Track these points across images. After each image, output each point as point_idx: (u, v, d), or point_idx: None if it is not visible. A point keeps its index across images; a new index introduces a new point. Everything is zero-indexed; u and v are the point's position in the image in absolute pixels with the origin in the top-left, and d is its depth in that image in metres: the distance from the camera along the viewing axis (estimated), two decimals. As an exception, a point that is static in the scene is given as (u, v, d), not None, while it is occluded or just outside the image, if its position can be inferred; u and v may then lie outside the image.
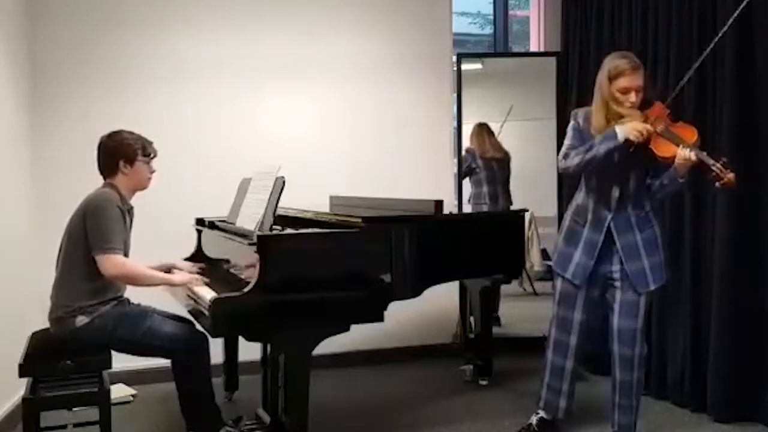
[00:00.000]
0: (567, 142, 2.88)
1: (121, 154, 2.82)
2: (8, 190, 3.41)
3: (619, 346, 2.86)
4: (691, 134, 2.64)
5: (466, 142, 4.59)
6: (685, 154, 2.56)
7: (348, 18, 4.32)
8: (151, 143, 2.92)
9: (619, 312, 2.86)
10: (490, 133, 4.61)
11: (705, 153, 2.58)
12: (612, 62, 2.74)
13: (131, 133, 2.88)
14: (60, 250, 2.80)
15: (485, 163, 4.60)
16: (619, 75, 2.70)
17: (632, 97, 2.71)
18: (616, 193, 2.80)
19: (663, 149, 2.62)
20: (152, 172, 2.94)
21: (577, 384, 3.67)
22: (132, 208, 2.90)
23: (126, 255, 2.78)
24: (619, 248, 2.82)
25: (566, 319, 2.96)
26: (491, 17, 5.36)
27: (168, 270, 3.05)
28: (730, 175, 2.50)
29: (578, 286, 2.90)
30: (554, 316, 3.00)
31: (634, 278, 2.81)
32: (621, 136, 2.64)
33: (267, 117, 4.19)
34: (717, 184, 2.55)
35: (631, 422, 2.90)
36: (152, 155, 2.92)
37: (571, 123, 2.90)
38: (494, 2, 5.09)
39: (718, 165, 2.52)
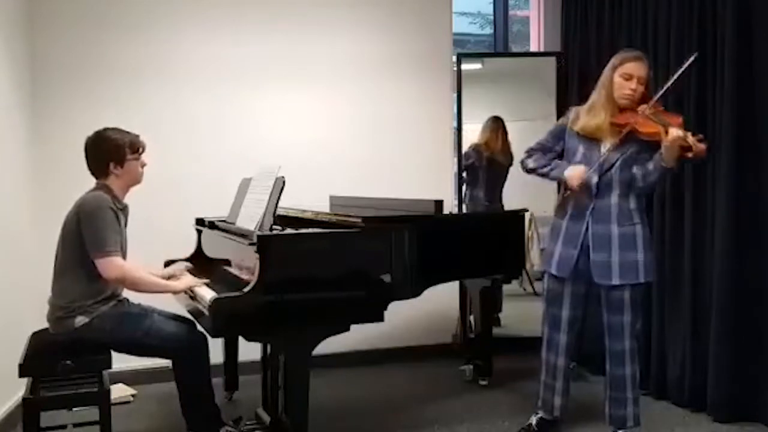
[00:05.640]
0: (541, 137, 3.03)
1: (109, 156, 2.78)
2: (8, 190, 3.41)
3: (609, 341, 2.91)
4: (676, 119, 2.74)
5: (466, 142, 4.57)
6: (674, 132, 2.63)
7: (348, 18, 4.32)
8: (137, 137, 2.86)
9: (607, 307, 2.89)
10: (505, 131, 4.55)
11: (690, 135, 2.66)
12: (620, 54, 2.88)
13: (115, 130, 2.82)
14: (56, 254, 2.80)
15: (489, 165, 4.57)
16: (624, 61, 2.82)
17: (633, 84, 2.79)
18: (594, 179, 2.83)
19: (648, 128, 2.73)
20: (143, 165, 2.88)
21: (578, 384, 3.68)
22: (126, 206, 2.87)
23: (123, 255, 2.77)
24: (590, 235, 2.84)
25: (555, 317, 2.99)
26: (491, 17, 5.36)
27: (169, 277, 3.01)
28: (701, 146, 2.62)
29: (564, 282, 2.93)
30: (544, 315, 3.04)
31: (595, 268, 2.83)
32: (563, 177, 2.86)
33: (267, 117, 4.19)
34: (689, 154, 2.65)
35: (625, 414, 2.91)
36: (141, 150, 2.86)
37: (561, 119, 3.01)
38: (494, 2, 5.09)
39: (693, 139, 2.62)
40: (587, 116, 2.87)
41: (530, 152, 3.04)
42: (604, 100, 2.84)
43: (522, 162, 3.06)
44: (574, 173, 2.82)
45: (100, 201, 2.71)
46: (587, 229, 2.85)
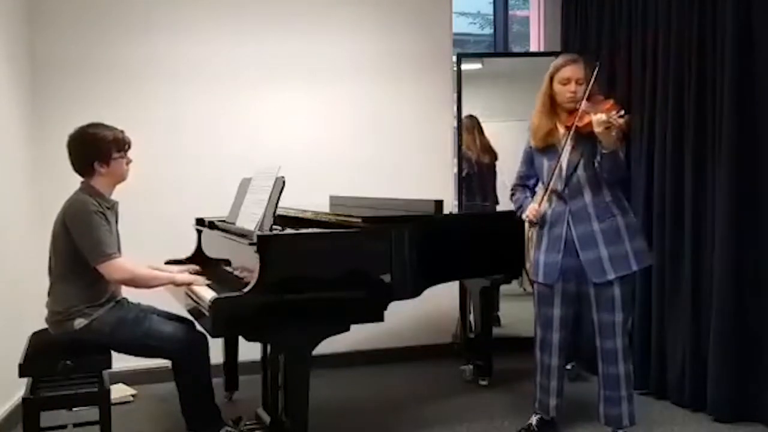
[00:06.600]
0: (518, 168, 3.10)
1: (94, 155, 2.72)
2: (8, 190, 3.41)
3: (601, 340, 2.92)
4: (606, 104, 2.75)
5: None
6: (595, 118, 2.66)
7: (348, 18, 4.32)
8: (122, 132, 2.79)
9: (596, 306, 2.91)
10: (481, 131, 4.53)
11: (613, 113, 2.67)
12: (555, 62, 2.93)
13: (99, 126, 2.76)
14: (49, 258, 2.78)
15: (478, 168, 4.55)
16: (560, 67, 2.88)
17: (572, 86, 2.84)
18: (560, 185, 2.88)
19: (582, 120, 2.77)
20: (129, 163, 2.83)
21: (577, 384, 3.68)
22: (114, 203, 2.83)
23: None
24: (575, 238, 2.87)
25: (547, 317, 3.01)
26: (491, 17, 5.36)
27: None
28: (620, 120, 2.62)
29: (552, 285, 2.95)
30: (536, 316, 3.06)
31: (588, 267, 2.85)
32: (523, 215, 3.02)
33: (267, 117, 4.19)
34: (613, 132, 2.67)
35: (620, 413, 2.91)
36: (127, 147, 2.80)
37: (525, 144, 3.05)
38: (494, 2, 5.09)
39: (615, 116, 2.63)
40: (537, 130, 2.92)
41: (513, 190, 3.14)
42: (546, 109, 2.90)
43: (512, 202, 3.17)
44: (528, 212, 2.97)
45: (84, 206, 2.66)
46: (568, 232, 2.88)
